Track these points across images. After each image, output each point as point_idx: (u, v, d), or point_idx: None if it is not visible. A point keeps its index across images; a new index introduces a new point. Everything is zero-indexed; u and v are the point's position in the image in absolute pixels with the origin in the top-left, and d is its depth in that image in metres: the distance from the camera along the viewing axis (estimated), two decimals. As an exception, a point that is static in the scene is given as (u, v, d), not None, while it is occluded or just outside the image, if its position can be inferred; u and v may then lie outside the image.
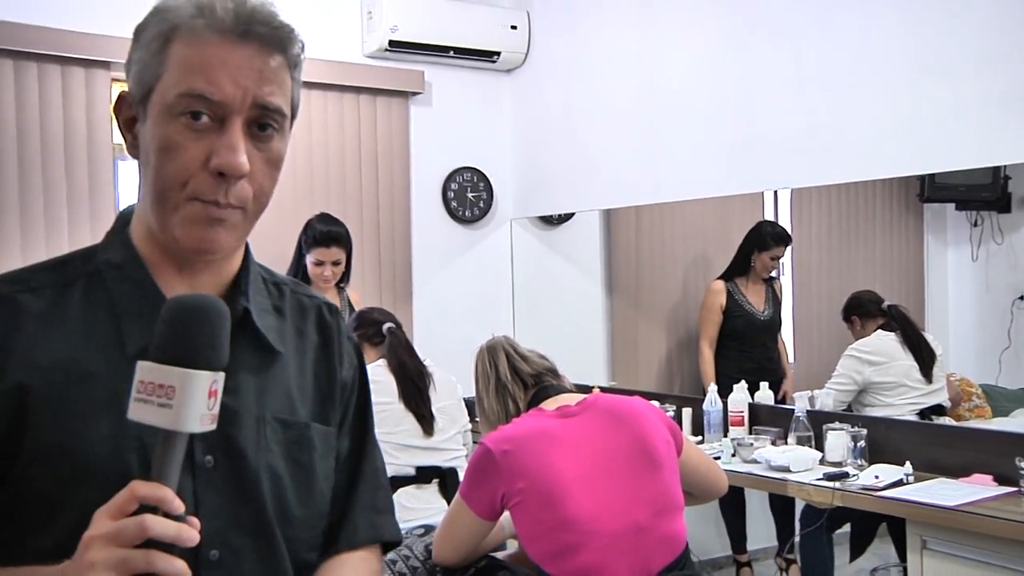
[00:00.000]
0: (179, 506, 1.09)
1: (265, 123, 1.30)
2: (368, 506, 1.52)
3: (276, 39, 1.29)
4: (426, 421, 3.91)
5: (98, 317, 1.33)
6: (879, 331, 4.55)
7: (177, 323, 1.14)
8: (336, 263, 4.72)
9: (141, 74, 1.30)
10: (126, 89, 1.34)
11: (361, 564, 1.49)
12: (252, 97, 1.27)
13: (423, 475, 3.85)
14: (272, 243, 4.88)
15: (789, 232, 5.15)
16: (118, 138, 4.78)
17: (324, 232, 4.69)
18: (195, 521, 1.11)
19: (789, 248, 5.17)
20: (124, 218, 1.41)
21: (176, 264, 1.36)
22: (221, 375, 1.14)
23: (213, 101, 1.25)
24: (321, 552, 1.46)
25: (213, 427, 1.14)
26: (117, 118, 1.37)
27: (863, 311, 4.64)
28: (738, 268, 5.24)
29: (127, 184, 4.93)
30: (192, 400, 1.10)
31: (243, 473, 1.33)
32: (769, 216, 5.20)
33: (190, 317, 1.14)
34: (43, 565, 1.17)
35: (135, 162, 1.37)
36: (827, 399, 4.57)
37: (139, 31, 1.31)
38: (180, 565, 1.08)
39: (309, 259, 4.69)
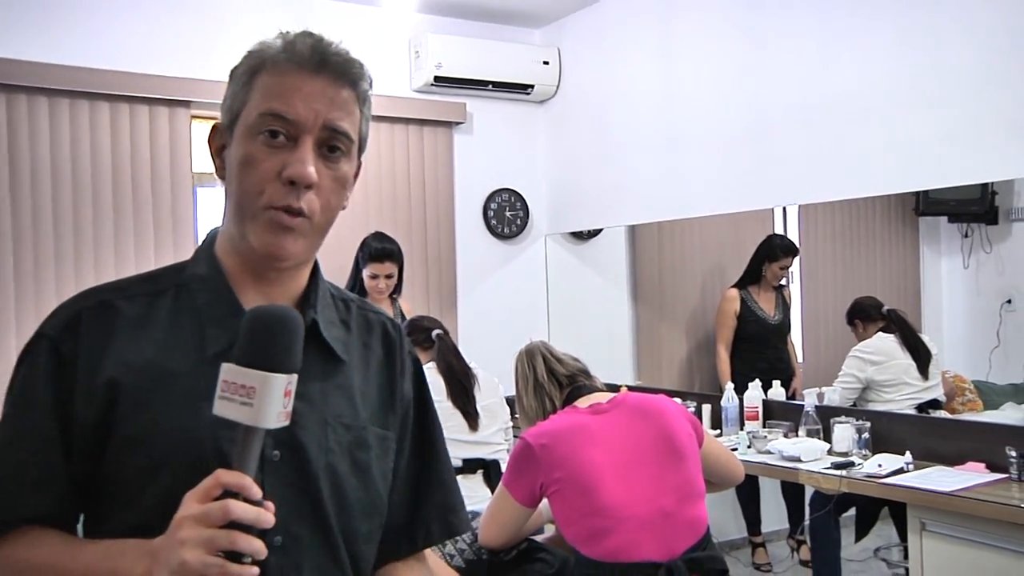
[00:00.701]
0: (257, 492, 1.11)
1: (334, 145, 1.32)
2: (442, 506, 1.54)
3: (347, 73, 1.32)
4: (471, 418, 3.91)
5: (183, 322, 1.34)
6: (880, 333, 4.52)
7: (258, 331, 1.16)
8: (389, 276, 4.74)
9: (231, 104, 1.34)
10: (219, 120, 1.38)
11: (423, 563, 1.54)
12: (323, 120, 1.29)
13: (469, 466, 3.84)
14: (332, 258, 4.89)
15: (797, 244, 5.12)
16: (197, 167, 4.91)
17: (378, 249, 4.71)
18: (270, 505, 1.13)
19: (797, 258, 5.14)
20: (211, 237, 1.43)
21: (253, 276, 1.37)
22: (295, 377, 1.15)
23: (288, 120, 1.28)
24: (389, 550, 1.48)
25: (287, 423, 1.16)
26: (210, 145, 1.40)
27: (865, 315, 4.61)
28: (751, 277, 5.22)
29: (205, 209, 5.00)
30: (271, 399, 1.12)
31: (305, 468, 1.33)
32: (779, 230, 5.17)
33: (270, 326, 1.16)
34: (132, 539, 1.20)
35: (212, 189, 1.39)
36: (835, 396, 4.55)
37: (233, 71, 1.36)
38: (258, 544, 1.10)
39: (365, 273, 4.71)
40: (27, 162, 4.55)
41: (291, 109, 1.28)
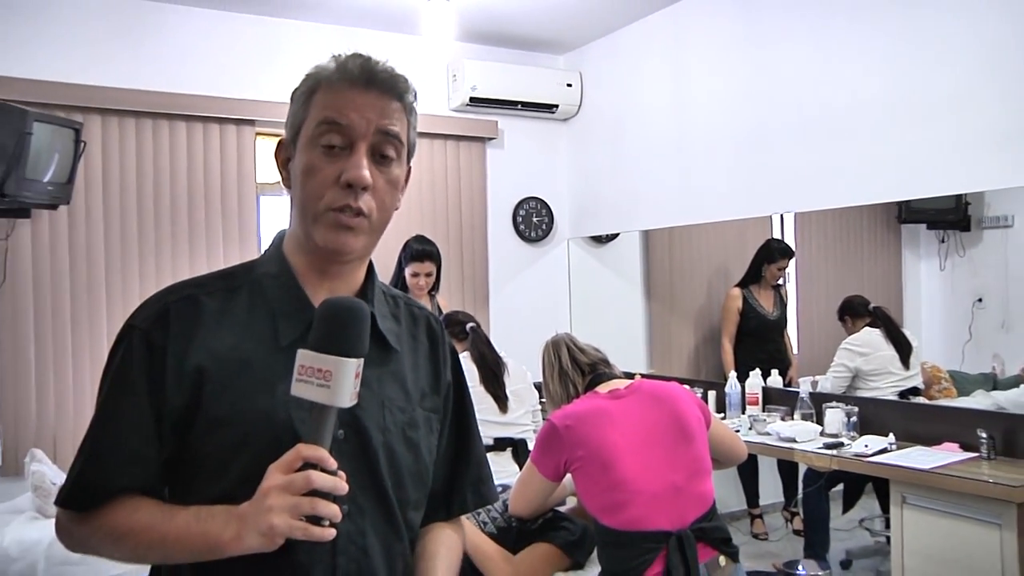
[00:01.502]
0: (333, 464, 1.15)
1: (385, 151, 1.32)
2: (475, 479, 1.56)
3: (394, 87, 1.33)
4: (501, 401, 3.91)
5: (258, 315, 1.34)
6: (866, 328, 4.50)
7: (332, 320, 1.18)
8: (428, 274, 4.76)
9: (293, 121, 1.36)
10: (283, 136, 1.40)
11: (458, 527, 1.56)
12: (375, 126, 1.30)
13: (499, 444, 3.86)
14: (378, 259, 4.97)
15: (793, 248, 5.11)
16: (260, 178, 4.98)
17: (419, 250, 4.75)
18: (343, 475, 1.16)
19: (793, 260, 5.12)
20: (278, 238, 1.44)
21: (318, 273, 1.37)
22: (362, 361, 1.18)
23: (342, 126, 1.29)
24: (430, 514, 1.48)
25: (355, 403, 1.18)
26: (276, 159, 1.41)
27: (853, 311, 4.60)
28: (751, 277, 5.20)
29: (267, 215, 5.07)
30: (345, 381, 1.14)
31: (366, 445, 1.33)
32: (777, 235, 5.15)
33: (342, 316, 1.18)
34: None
35: (274, 197, 1.40)
36: (828, 384, 4.55)
37: (294, 92, 1.37)
38: (335, 508, 1.14)
39: (407, 271, 4.73)
40: (117, 175, 4.65)
41: (345, 118, 1.29)
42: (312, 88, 1.34)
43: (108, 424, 1.30)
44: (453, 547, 1.51)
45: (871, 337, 4.49)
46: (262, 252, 1.46)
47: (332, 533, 1.15)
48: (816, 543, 4.53)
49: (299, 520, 1.13)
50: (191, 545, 1.20)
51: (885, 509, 4.21)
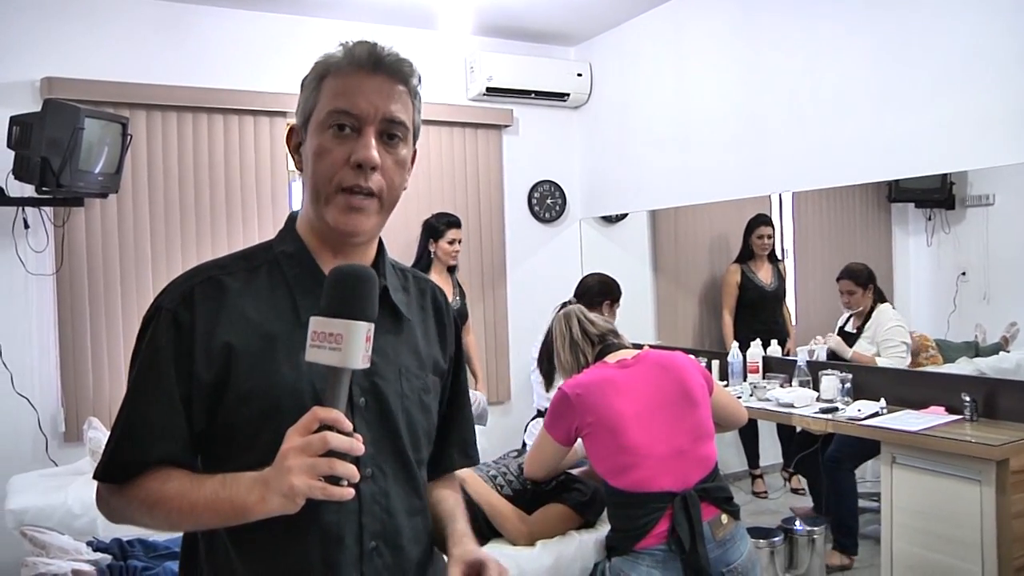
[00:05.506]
0: (348, 425, 1.13)
1: (392, 133, 1.32)
2: (463, 441, 1.58)
3: (399, 72, 1.33)
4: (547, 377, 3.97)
5: (278, 292, 1.33)
6: (885, 305, 4.41)
7: (341, 286, 1.16)
8: (461, 241, 4.86)
9: (304, 106, 1.36)
10: (294, 123, 1.39)
11: (453, 481, 1.59)
12: (382, 112, 1.30)
13: (541, 415, 3.93)
14: (402, 237, 5.04)
15: (770, 217, 5.14)
16: (292, 166, 5.02)
17: (454, 218, 4.85)
18: (359, 437, 1.14)
19: (791, 238, 5.11)
20: (292, 218, 1.43)
21: (331, 250, 1.36)
22: (373, 325, 1.15)
23: (352, 114, 1.29)
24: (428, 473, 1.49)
25: (368, 366, 1.15)
26: (288, 144, 1.41)
27: (862, 282, 4.45)
28: (745, 252, 5.21)
29: (299, 200, 5.06)
30: (355, 343, 1.12)
31: (386, 411, 1.34)
32: (774, 214, 5.11)
33: (350, 281, 1.16)
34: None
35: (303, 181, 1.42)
36: (893, 362, 4.29)
37: (304, 80, 1.37)
38: (353, 468, 1.12)
39: (444, 239, 4.81)
40: (160, 165, 4.69)
41: (354, 105, 1.29)
42: (321, 74, 1.33)
43: (139, 401, 1.29)
44: (460, 501, 1.54)
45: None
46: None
47: (351, 493, 1.13)
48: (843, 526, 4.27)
49: (318, 480, 1.11)
50: (219, 510, 1.20)
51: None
